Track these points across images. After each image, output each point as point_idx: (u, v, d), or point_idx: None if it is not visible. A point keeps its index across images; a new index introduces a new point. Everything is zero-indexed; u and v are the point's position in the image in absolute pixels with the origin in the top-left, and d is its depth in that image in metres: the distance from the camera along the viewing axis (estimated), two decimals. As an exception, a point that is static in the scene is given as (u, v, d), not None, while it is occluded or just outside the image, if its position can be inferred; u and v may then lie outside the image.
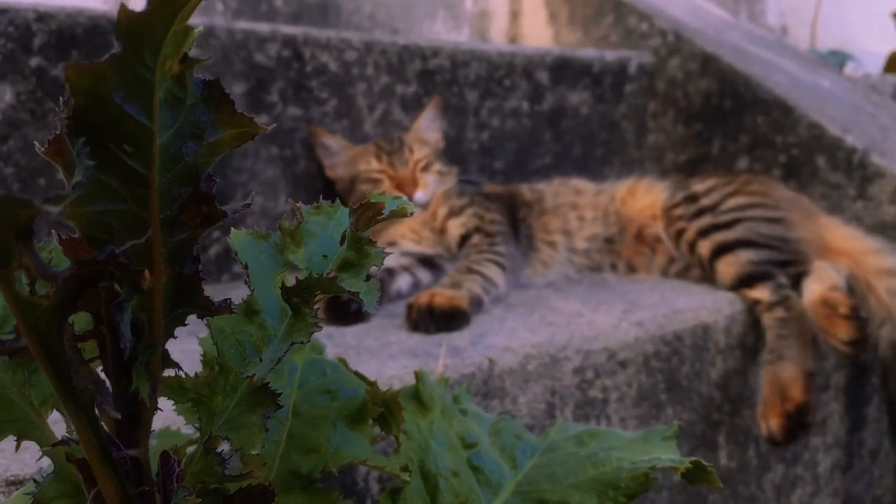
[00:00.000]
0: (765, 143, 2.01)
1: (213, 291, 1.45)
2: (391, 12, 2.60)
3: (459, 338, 1.08)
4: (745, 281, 1.34)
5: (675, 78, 2.23)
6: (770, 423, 1.17)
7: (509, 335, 1.09)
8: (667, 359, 1.21)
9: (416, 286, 1.39)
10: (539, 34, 2.71)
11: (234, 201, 1.56)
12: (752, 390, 1.36)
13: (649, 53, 2.27)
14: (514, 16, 2.81)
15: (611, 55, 2.16)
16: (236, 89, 1.54)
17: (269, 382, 0.47)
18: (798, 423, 1.16)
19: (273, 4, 2.32)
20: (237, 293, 1.49)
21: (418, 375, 0.65)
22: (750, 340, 1.34)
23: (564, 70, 2.05)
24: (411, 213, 0.53)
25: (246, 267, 0.53)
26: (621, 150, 2.20)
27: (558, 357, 1.07)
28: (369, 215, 0.50)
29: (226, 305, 0.47)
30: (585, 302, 1.30)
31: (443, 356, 0.97)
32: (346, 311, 1.16)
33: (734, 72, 2.09)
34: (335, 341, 1.07)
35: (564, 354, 1.07)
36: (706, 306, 1.29)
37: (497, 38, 2.83)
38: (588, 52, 2.12)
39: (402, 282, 1.36)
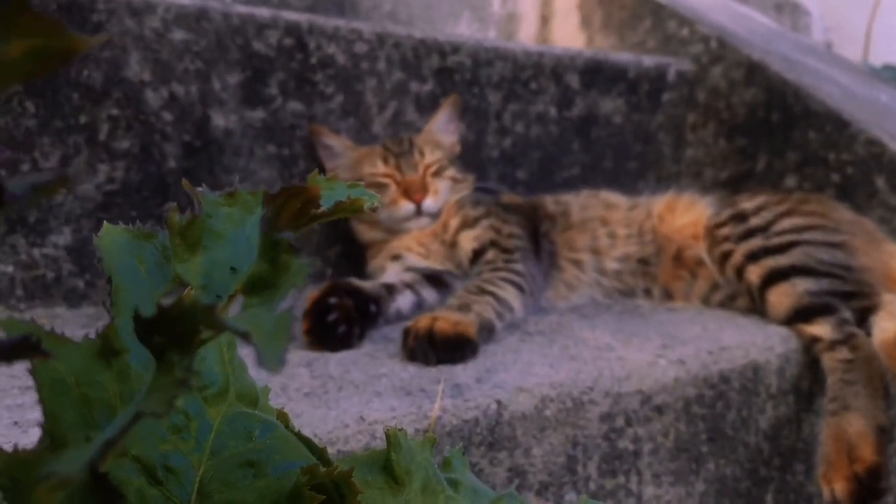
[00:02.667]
0: (816, 160, 1.82)
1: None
2: (412, 11, 2.44)
3: (464, 372, 0.90)
4: (801, 314, 1.15)
5: (717, 87, 2.05)
6: (835, 487, 0.98)
7: (524, 371, 0.91)
8: (710, 404, 1.02)
9: (420, 306, 1.21)
10: (570, 39, 2.53)
11: (224, 204, 1.39)
12: (806, 442, 1.16)
13: (690, 60, 2.09)
14: (545, 20, 2.64)
15: (648, 60, 1.98)
16: (231, 79, 1.38)
17: (107, 473, 0.30)
18: (869, 489, 0.96)
19: (286, -3, 2.17)
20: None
21: (391, 438, 0.47)
22: (806, 384, 1.15)
23: (597, 74, 1.87)
24: (373, 208, 0.36)
25: (109, 281, 0.35)
26: (657, 163, 2.02)
27: (582, 400, 0.88)
28: (296, 206, 0.33)
29: (62, 338, 0.29)
30: (616, 333, 1.11)
31: (440, 396, 0.79)
32: (332, 335, 0.99)
33: (783, 81, 1.90)
34: (314, 371, 0.90)
35: (590, 397, 0.89)
36: (756, 343, 1.10)
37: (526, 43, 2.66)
38: (623, 56, 1.94)
39: (404, 301, 1.19)
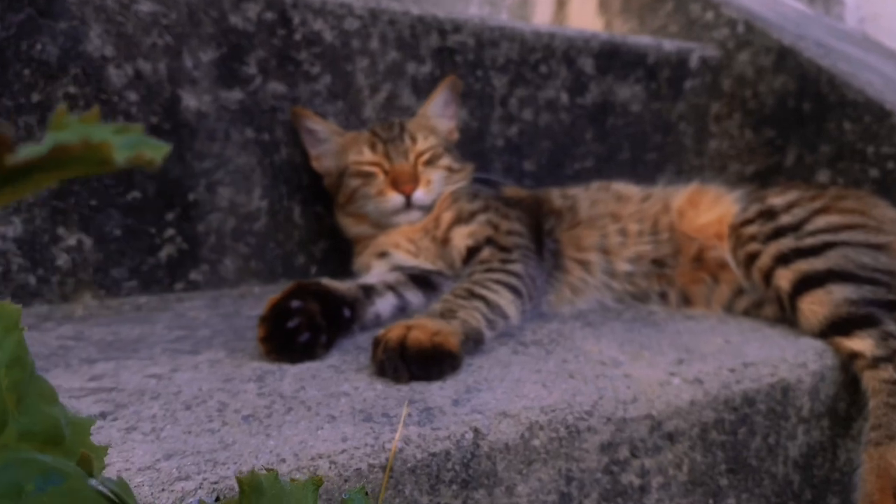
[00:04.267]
0: (852, 153, 1.66)
1: (160, 302, 1.16)
2: (419, -8, 2.30)
3: (440, 392, 0.76)
4: (839, 326, 1.00)
5: (744, 75, 1.89)
6: (878, 531, 0.83)
7: (511, 391, 0.77)
8: (732, 429, 0.88)
9: (403, 311, 1.08)
10: (588, 24, 2.38)
11: (196, 193, 1.27)
12: (842, 472, 1.02)
13: (714, 46, 1.93)
14: (560, 4, 2.49)
15: (669, 45, 1.83)
16: (204, 56, 1.25)
17: None
18: (919, 536, 0.81)
19: (282, -24, 2.04)
20: (191, 307, 1.20)
21: (245, 486, 0.34)
22: (843, 406, 1.00)
23: (613, 58, 1.72)
24: (159, 158, 0.23)
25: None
26: (677, 156, 1.86)
27: (578, 427, 0.75)
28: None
29: None
30: (624, 344, 0.97)
31: (402, 424, 0.66)
32: (292, 344, 0.85)
33: (817, 68, 1.74)
34: (264, 387, 0.77)
35: (588, 424, 0.75)
36: (786, 358, 0.95)
37: (540, 29, 2.51)
38: (642, 40, 1.79)
39: (384, 304, 1.05)
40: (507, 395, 0.76)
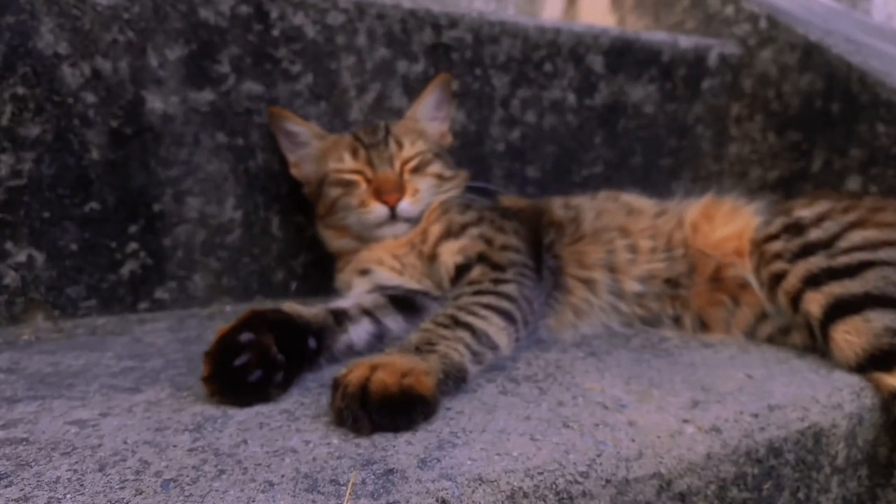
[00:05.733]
0: (886, 158, 1.52)
1: (119, 324, 1.05)
2: (420, -13, 2.18)
3: (407, 447, 0.64)
4: (879, 359, 0.87)
5: (766, 73, 1.76)
6: None
7: (493, 446, 0.65)
8: (755, 486, 0.75)
9: (380, 339, 0.96)
10: (599, 20, 2.25)
11: (162, 203, 1.15)
12: (883, 527, 0.89)
13: (735, 43, 1.80)
14: (571, 0, 2.36)
15: (686, 41, 1.70)
16: (171, 54, 1.14)
17: None
18: None
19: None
20: (151, 329, 1.09)
21: None
22: (884, 452, 0.87)
23: (625, 56, 1.59)
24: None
25: None
26: (694, 160, 1.73)
27: (571, 493, 0.62)
28: None
29: None
30: (630, 381, 0.85)
31: (347, 499, 0.54)
32: (242, 384, 0.74)
33: (847, 66, 1.60)
34: (200, 439, 0.65)
35: (583, 488, 0.63)
36: (818, 398, 0.82)
37: (549, 26, 2.39)
38: (657, 36, 1.66)
39: (358, 332, 0.93)
40: (486, 451, 0.64)
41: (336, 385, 0.70)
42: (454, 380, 0.77)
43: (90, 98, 1.09)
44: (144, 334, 1.05)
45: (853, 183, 1.58)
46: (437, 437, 0.67)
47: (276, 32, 1.22)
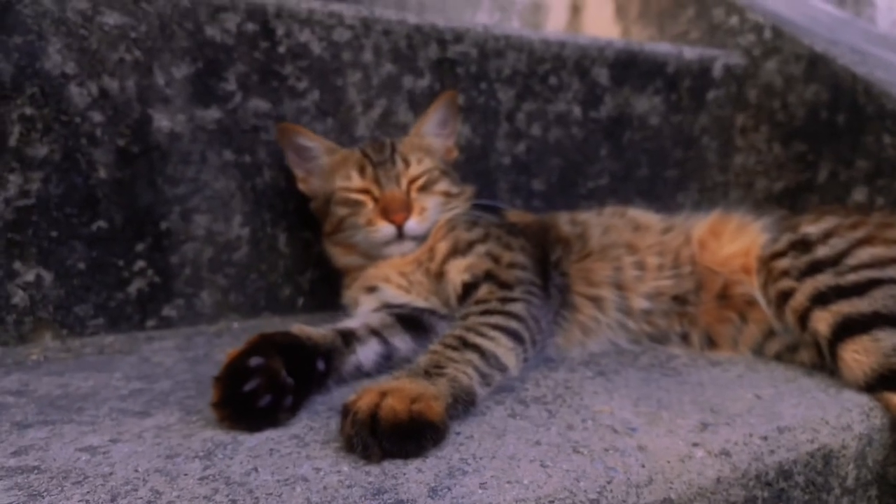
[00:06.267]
0: (892, 169, 1.52)
1: (126, 343, 1.05)
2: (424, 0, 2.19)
3: (417, 474, 0.64)
4: (888, 379, 0.87)
5: (772, 84, 1.76)
6: None
7: (503, 473, 0.65)
8: (765, 508, 0.75)
9: (388, 359, 0.96)
10: (604, 31, 2.26)
11: (169, 221, 1.16)
12: (893, 547, 0.88)
13: (740, 53, 1.80)
14: (575, 9, 2.36)
15: (690, 52, 1.70)
16: (178, 72, 1.14)
17: None
18: None
19: (279, -17, 1.93)
20: (159, 348, 1.09)
21: None
22: (894, 472, 0.87)
23: (630, 68, 1.59)
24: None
25: None
26: (700, 172, 1.73)
27: (582, 521, 0.62)
28: None
29: None
30: (639, 402, 0.85)
31: (361, 534, 0.54)
32: (252, 409, 0.74)
33: (852, 76, 1.60)
34: (211, 467, 0.65)
35: (593, 516, 0.63)
36: (827, 420, 0.82)
37: (554, 36, 2.39)
38: (661, 47, 1.66)
39: (367, 353, 0.93)
40: (497, 479, 0.64)
41: (346, 411, 0.70)
42: (463, 403, 0.77)
43: (97, 117, 1.10)
44: (152, 353, 1.05)
45: (859, 194, 1.58)
46: (447, 463, 0.67)
47: (282, 49, 1.22)
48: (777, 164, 1.73)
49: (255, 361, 0.75)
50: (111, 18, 1.10)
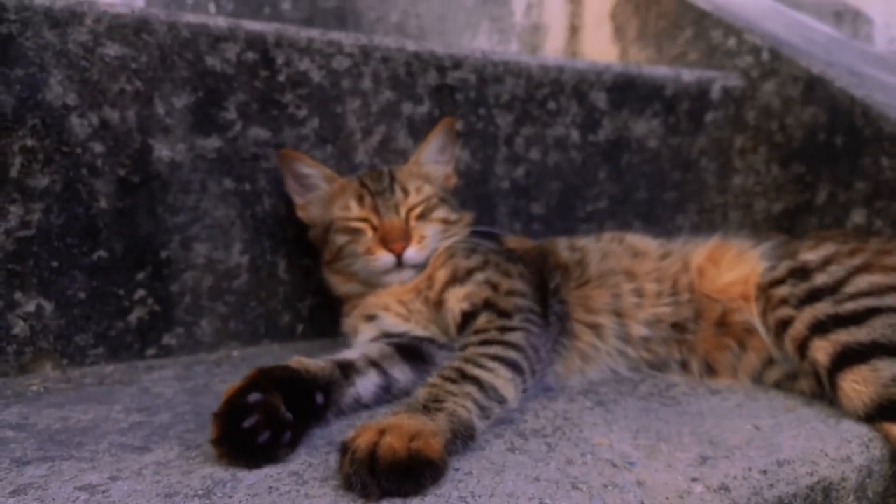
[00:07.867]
0: (891, 192, 1.52)
1: (127, 372, 1.05)
2: (423, 23, 2.20)
3: (416, 513, 0.64)
4: (887, 410, 0.87)
5: (770, 106, 1.76)
6: None
7: (501, 511, 0.65)
8: (765, 543, 0.75)
9: (387, 390, 0.96)
10: (602, 52, 2.27)
11: (169, 250, 1.16)
12: (894, 579, 0.88)
13: (738, 75, 1.80)
14: (573, 30, 2.38)
15: (689, 75, 1.71)
16: (178, 102, 1.15)
17: None
18: None
19: (279, 7, 1.95)
20: (159, 378, 1.09)
21: None
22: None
23: (628, 91, 1.60)
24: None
25: None
26: (699, 194, 1.74)
27: (580, 561, 0.62)
28: None
29: None
30: (638, 434, 0.85)
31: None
32: (251, 446, 0.74)
33: (850, 98, 1.61)
34: (208, 510, 0.65)
35: (592, 555, 0.63)
36: (827, 452, 0.82)
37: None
38: (659, 70, 1.67)
39: (365, 384, 0.93)
40: (495, 518, 0.64)
41: (344, 449, 0.70)
42: (462, 438, 0.77)
43: (98, 147, 1.10)
44: (152, 384, 1.05)
45: (858, 216, 1.58)
46: (445, 501, 0.67)
47: (282, 78, 1.23)
48: (776, 186, 1.74)
49: (253, 398, 0.75)
50: (112, 50, 1.10)
